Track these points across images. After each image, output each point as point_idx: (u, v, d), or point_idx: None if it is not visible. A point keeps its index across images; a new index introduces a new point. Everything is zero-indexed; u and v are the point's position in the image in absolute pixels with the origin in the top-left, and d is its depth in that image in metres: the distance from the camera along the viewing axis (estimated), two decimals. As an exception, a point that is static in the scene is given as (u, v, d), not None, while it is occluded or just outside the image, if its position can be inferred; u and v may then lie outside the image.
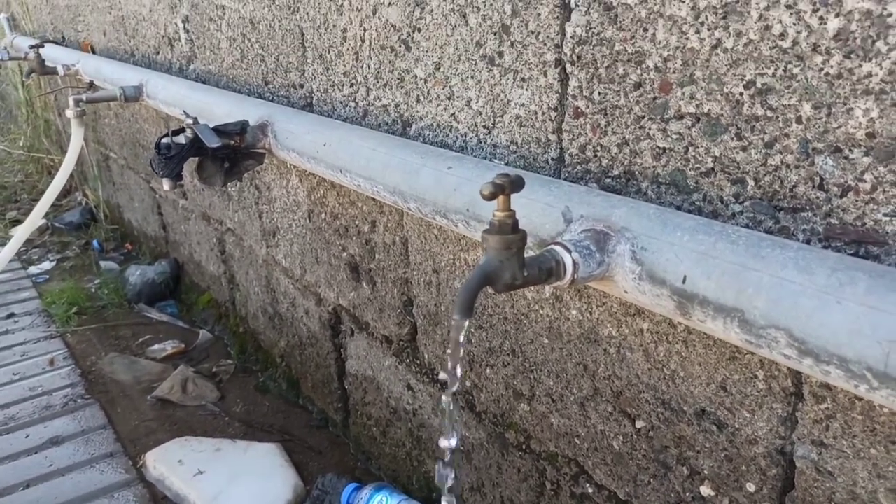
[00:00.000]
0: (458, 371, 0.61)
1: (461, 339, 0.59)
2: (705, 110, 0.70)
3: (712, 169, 0.71)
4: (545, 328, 0.99)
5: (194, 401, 1.91)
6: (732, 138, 0.69)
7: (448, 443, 0.63)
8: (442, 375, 0.58)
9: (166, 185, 1.27)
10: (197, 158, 1.28)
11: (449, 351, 0.59)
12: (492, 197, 0.61)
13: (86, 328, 2.34)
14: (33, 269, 2.85)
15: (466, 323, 0.61)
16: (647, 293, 0.67)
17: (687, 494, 0.86)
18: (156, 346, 2.21)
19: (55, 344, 2.25)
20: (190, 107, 1.56)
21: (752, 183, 0.69)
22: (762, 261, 0.59)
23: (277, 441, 1.72)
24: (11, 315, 2.45)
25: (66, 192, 3.72)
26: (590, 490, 1.01)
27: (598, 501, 1.00)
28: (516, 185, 0.62)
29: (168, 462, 1.62)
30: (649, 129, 0.76)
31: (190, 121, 1.23)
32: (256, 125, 1.31)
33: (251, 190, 1.78)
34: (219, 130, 1.24)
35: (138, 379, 2.03)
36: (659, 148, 0.76)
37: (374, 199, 1.28)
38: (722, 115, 0.69)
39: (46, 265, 2.92)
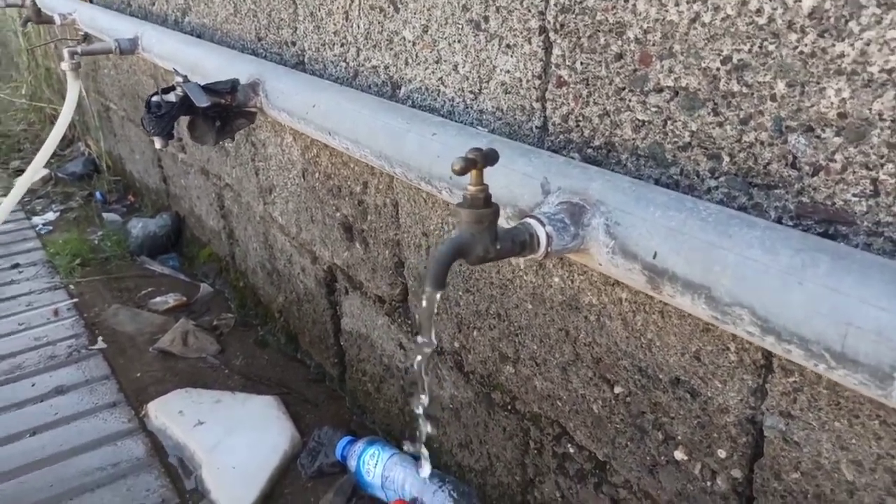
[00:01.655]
0: (433, 338, 0.62)
1: (433, 310, 0.61)
2: (683, 84, 0.70)
3: (689, 143, 0.71)
4: (529, 294, 1.01)
5: (195, 353, 1.95)
6: (709, 113, 0.69)
7: (421, 402, 0.65)
8: (418, 338, 0.60)
9: (158, 143, 1.27)
10: (188, 117, 1.28)
11: (420, 321, 0.61)
12: (463, 172, 0.61)
13: (89, 279, 2.38)
14: (37, 220, 2.88)
15: (438, 295, 0.62)
16: (620, 267, 0.68)
17: (662, 458, 0.88)
18: (158, 299, 2.25)
19: (59, 295, 2.29)
20: (183, 62, 1.55)
21: (727, 159, 0.68)
22: (730, 239, 0.60)
23: (276, 394, 1.76)
24: (16, 265, 2.49)
25: (68, 142, 3.72)
26: (571, 450, 1.04)
27: (579, 461, 1.03)
28: (489, 158, 0.63)
29: (169, 413, 1.67)
30: (629, 101, 0.76)
31: (180, 79, 1.23)
32: (247, 84, 1.30)
33: (247, 146, 1.77)
34: (208, 89, 1.23)
35: (141, 331, 2.07)
36: (638, 120, 0.76)
37: (365, 161, 1.28)
38: (699, 89, 0.69)
39: (50, 216, 2.94)
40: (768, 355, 0.71)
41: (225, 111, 1.29)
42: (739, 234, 0.60)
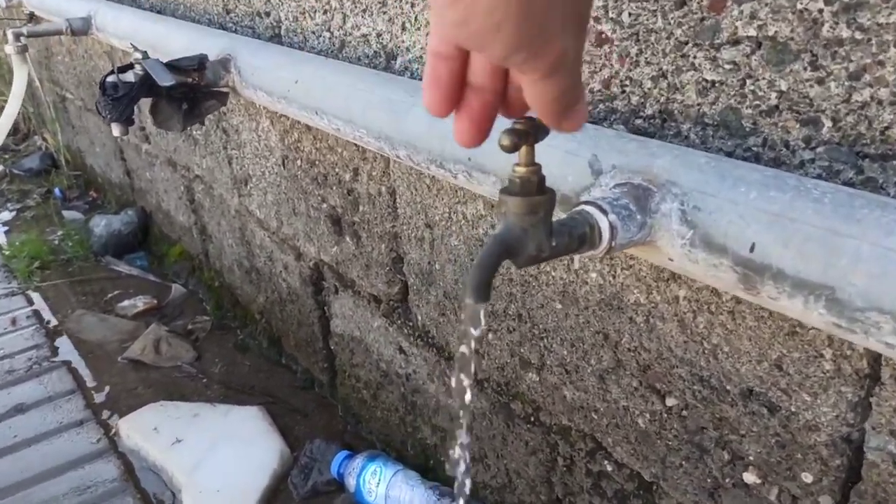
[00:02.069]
0: (471, 370, 0.48)
1: (477, 330, 0.46)
2: (770, 33, 0.56)
3: (776, 107, 0.58)
4: (558, 292, 0.87)
5: (169, 362, 1.78)
6: (805, 68, 0.55)
7: (461, 454, 0.51)
8: (461, 377, 0.45)
9: (116, 130, 1.10)
10: (150, 99, 1.12)
11: (461, 349, 0.46)
12: (514, 148, 0.46)
13: (49, 284, 2.19)
14: (-9, 221, 2.67)
15: (482, 310, 0.48)
16: (701, 263, 0.55)
17: (727, 480, 0.75)
18: (126, 303, 2.07)
19: (17, 301, 2.10)
20: (143, 41, 1.38)
21: (828, 124, 0.55)
22: (858, 224, 0.47)
23: (260, 403, 1.61)
24: (-31, 271, 2.29)
25: (23, 136, 3.49)
26: (609, 468, 0.91)
27: (619, 480, 0.90)
28: (542, 130, 0.48)
29: (142, 430, 1.51)
30: (694, 57, 0.62)
31: (139, 55, 1.07)
32: (217, 60, 1.14)
33: (218, 133, 1.61)
34: (173, 66, 1.07)
35: (108, 338, 1.90)
36: (706, 81, 0.62)
37: (355, 145, 1.13)
38: (792, 38, 0.55)
39: (6, 215, 2.74)
40: (876, 364, 0.58)
41: (192, 92, 1.13)
42: (871, 217, 0.46)
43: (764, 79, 0.57)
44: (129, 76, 1.07)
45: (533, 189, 0.49)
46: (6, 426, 1.57)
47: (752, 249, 0.51)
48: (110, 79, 1.08)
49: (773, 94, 0.57)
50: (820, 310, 0.48)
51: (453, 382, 0.47)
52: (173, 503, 1.35)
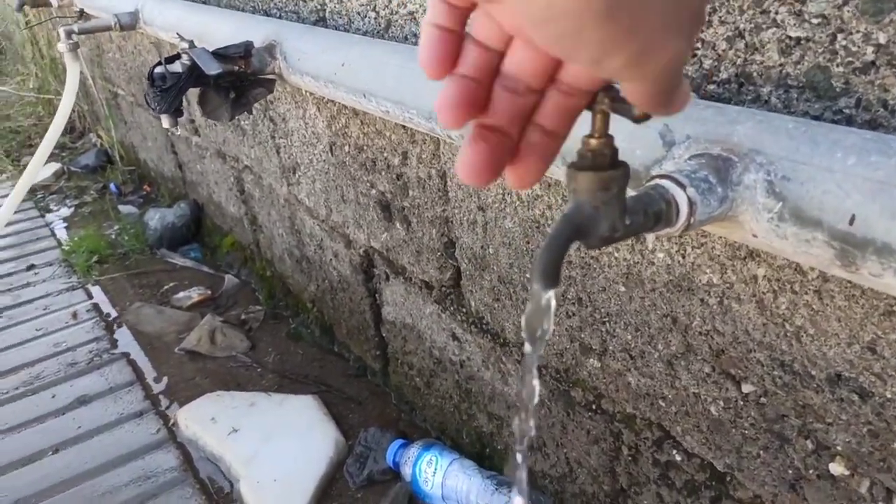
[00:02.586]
0: (534, 366, 0.44)
1: (547, 321, 0.42)
2: (866, -21, 0.51)
3: (873, 63, 0.52)
4: (621, 274, 0.82)
5: (224, 352, 1.80)
6: (909, 16, 0.49)
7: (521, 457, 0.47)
8: (528, 368, 0.41)
9: (165, 121, 1.10)
10: (198, 89, 1.11)
11: (526, 339, 0.42)
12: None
13: (108, 277, 2.24)
14: (51, 217, 2.75)
15: (551, 296, 0.44)
16: (791, 238, 0.50)
17: (810, 471, 0.70)
18: (181, 294, 2.10)
19: (77, 296, 2.15)
20: (188, 31, 1.37)
21: (935, 79, 0.49)
22: (979, 191, 0.41)
23: (314, 392, 1.60)
24: (31, 266, 2.35)
25: (79, 134, 3.58)
26: (678, 458, 0.86)
27: (689, 471, 0.86)
28: (618, 95, 0.44)
29: (200, 420, 1.52)
30: (776, 13, 0.57)
31: (185, 45, 1.05)
32: (263, 46, 1.12)
33: (266, 123, 1.60)
34: (219, 55, 1.05)
35: (165, 330, 1.93)
36: (790, 38, 0.56)
37: (403, 127, 1.10)
38: (893, -16, 0.49)
39: (65, 212, 2.81)
40: None
41: (239, 80, 1.11)
42: None
43: (858, 32, 0.52)
44: (177, 66, 1.06)
45: (606, 163, 0.45)
46: (70, 418, 1.61)
47: (851, 222, 0.46)
48: (158, 70, 1.07)
49: (870, 49, 0.52)
50: (933, 287, 0.43)
51: (521, 373, 0.44)
52: (231, 492, 1.36)
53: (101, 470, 1.43)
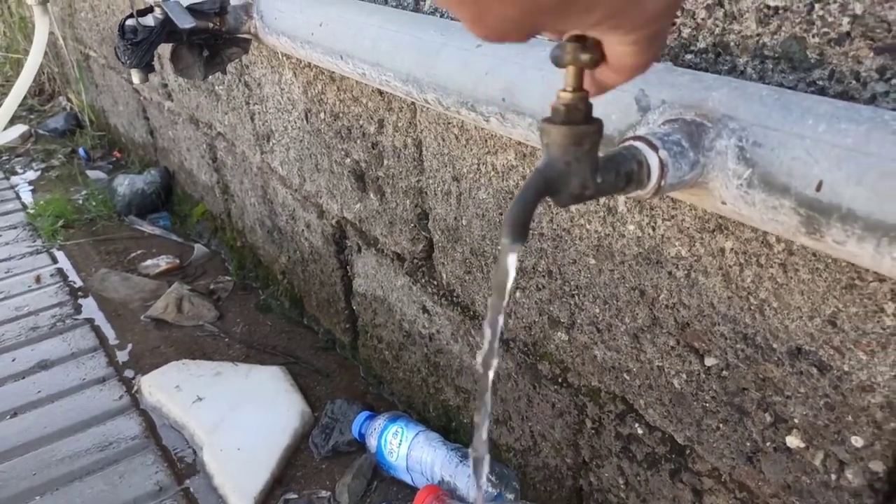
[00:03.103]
0: (499, 324, 0.44)
1: (509, 278, 0.42)
2: (845, -50, 0.51)
3: (848, 34, 0.52)
4: (592, 246, 0.83)
5: (191, 321, 1.78)
6: (885, -12, 0.49)
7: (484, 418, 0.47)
8: (485, 330, 0.40)
9: (135, 77, 1.07)
10: (170, 45, 1.08)
11: (491, 293, 0.42)
12: (562, 64, 0.42)
13: (73, 243, 2.19)
14: (16, 179, 2.68)
15: (516, 252, 0.44)
16: (759, 205, 0.50)
17: (767, 444, 0.71)
18: (149, 262, 2.06)
19: (41, 259, 2.10)
20: (163, -12, 1.34)
21: (907, 52, 0.50)
22: (944, 159, 0.42)
23: (281, 363, 1.59)
24: (-6, 229, 2.30)
25: (48, 96, 3.49)
26: (639, 431, 0.87)
27: (650, 444, 0.87)
28: (596, 50, 0.43)
29: (164, 388, 1.51)
30: (755, -18, 0.57)
31: (158, -1, 1.03)
32: (239, 4, 1.09)
33: (241, 88, 1.57)
34: (193, 10, 1.03)
35: (131, 297, 1.90)
36: (768, 8, 0.56)
37: (380, 94, 1.09)
38: (871, -46, 0.50)
39: (31, 175, 2.74)
40: (945, 319, 0.54)
41: (214, 38, 1.09)
42: (959, 150, 0.41)
43: (836, 2, 0.52)
44: (149, 20, 1.04)
45: (579, 118, 0.45)
46: (30, 382, 1.58)
47: (818, 188, 0.46)
48: (129, 22, 1.04)
49: (846, 20, 0.52)
50: (894, 254, 0.44)
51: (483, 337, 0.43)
52: (194, 461, 1.35)
53: (61, 435, 1.41)
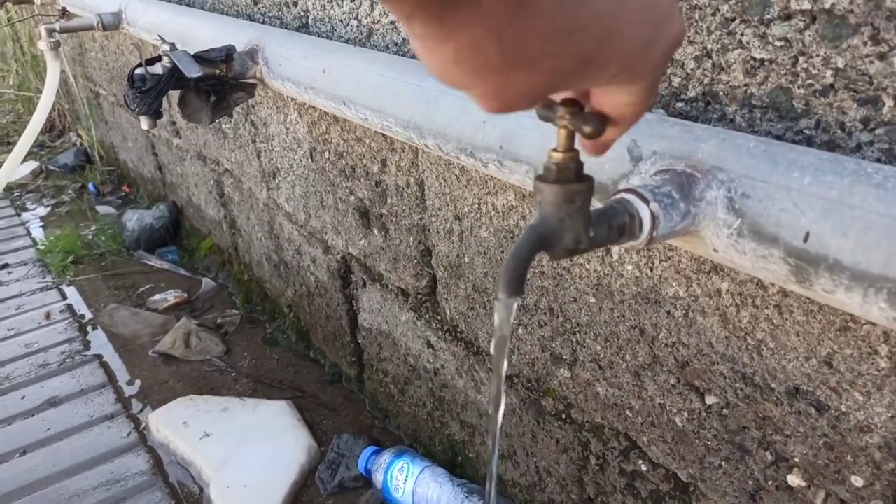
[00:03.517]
0: (502, 372, 0.45)
1: (510, 325, 0.44)
2: (826, 5, 0.53)
3: (831, 86, 0.54)
4: (592, 285, 0.84)
5: (199, 355, 1.79)
6: (866, 42, 0.51)
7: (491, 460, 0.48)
8: (491, 392, 0.42)
9: (144, 123, 1.10)
10: (178, 91, 1.11)
11: (493, 345, 0.43)
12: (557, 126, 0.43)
13: (83, 278, 2.22)
14: (27, 216, 2.72)
15: (516, 305, 0.45)
16: (749, 254, 0.51)
17: (769, 483, 0.72)
18: (157, 297, 2.08)
19: (51, 296, 2.13)
20: (171, 33, 1.38)
21: (889, 103, 0.51)
22: (925, 212, 0.43)
23: (288, 398, 1.60)
24: (5, 265, 2.33)
25: (59, 132, 3.55)
26: (643, 468, 0.88)
27: (654, 480, 0.87)
28: (589, 122, 0.45)
29: (172, 424, 1.51)
30: (742, 34, 0.59)
31: (166, 47, 1.06)
32: (245, 51, 1.12)
33: (247, 126, 1.60)
34: (201, 58, 1.06)
35: (139, 332, 1.91)
36: (755, 60, 0.58)
37: (383, 135, 1.11)
38: (851, 10, 0.51)
39: (41, 211, 2.78)
40: (938, 362, 0.55)
41: (220, 84, 1.12)
42: (939, 203, 0.43)
43: (818, 56, 0.54)
44: (157, 68, 1.07)
45: (571, 176, 0.46)
46: (39, 419, 1.59)
47: (806, 239, 0.47)
48: (138, 71, 1.07)
49: (829, 72, 0.54)
50: (881, 304, 0.45)
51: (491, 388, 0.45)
52: (201, 497, 1.35)
53: (70, 473, 1.42)
